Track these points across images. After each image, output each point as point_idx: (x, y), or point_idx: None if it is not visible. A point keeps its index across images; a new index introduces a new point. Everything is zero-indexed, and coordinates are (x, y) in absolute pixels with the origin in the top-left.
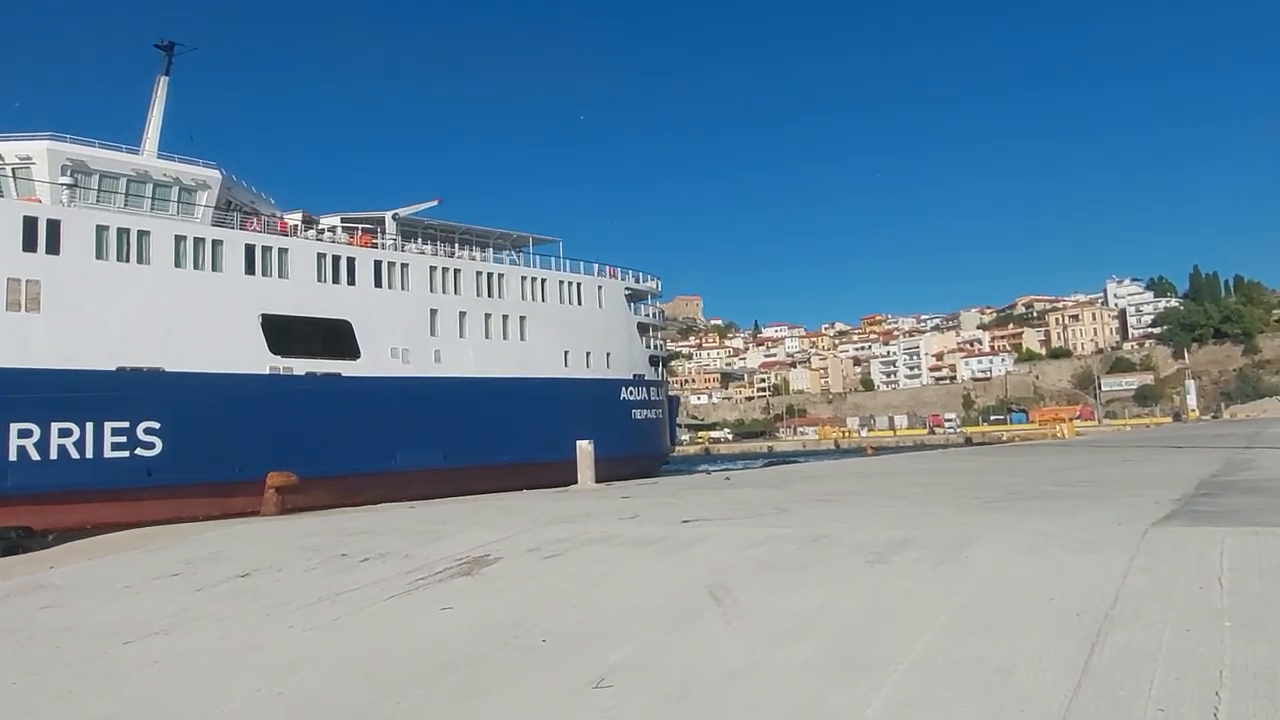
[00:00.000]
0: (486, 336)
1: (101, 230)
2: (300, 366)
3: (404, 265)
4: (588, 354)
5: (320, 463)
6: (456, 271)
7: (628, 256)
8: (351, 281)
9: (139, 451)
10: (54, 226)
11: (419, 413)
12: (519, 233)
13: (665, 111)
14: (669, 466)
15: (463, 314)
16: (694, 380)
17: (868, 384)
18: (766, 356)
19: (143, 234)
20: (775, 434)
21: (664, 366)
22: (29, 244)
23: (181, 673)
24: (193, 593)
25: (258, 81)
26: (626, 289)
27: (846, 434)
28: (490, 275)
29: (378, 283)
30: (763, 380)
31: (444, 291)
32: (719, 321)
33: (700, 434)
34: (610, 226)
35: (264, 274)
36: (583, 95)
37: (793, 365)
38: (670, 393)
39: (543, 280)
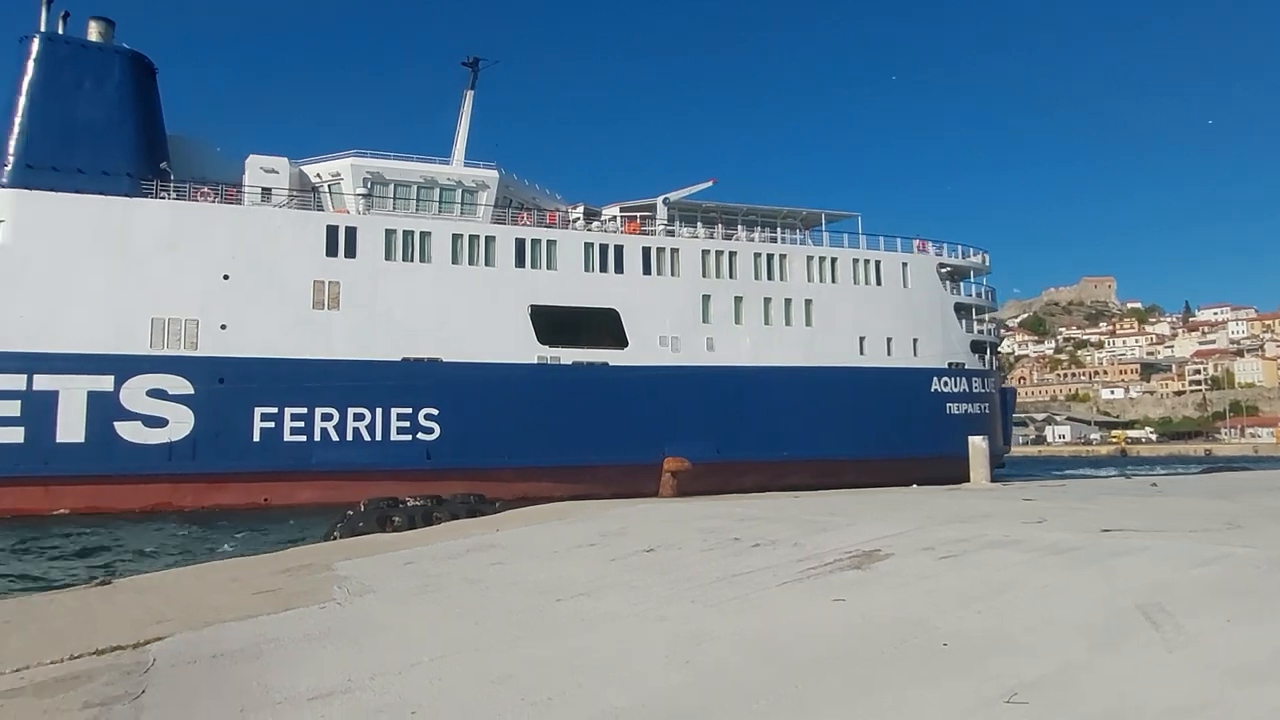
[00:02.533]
0: (766, 322)
1: (390, 233)
2: (567, 356)
3: (674, 250)
4: (889, 340)
5: (585, 452)
6: (732, 254)
7: (1014, 237)
8: (619, 270)
9: (419, 436)
10: (351, 233)
11: (688, 404)
12: (809, 209)
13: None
14: (1007, 471)
15: (738, 299)
16: (1105, 372)
17: None
18: (1201, 344)
19: (424, 235)
20: (1214, 435)
21: (993, 354)
22: (331, 250)
23: (605, 631)
24: (608, 562)
25: (555, 87)
26: (940, 265)
27: None
28: (770, 256)
29: (646, 270)
30: (1196, 371)
31: (717, 276)
32: (1137, 304)
33: (1115, 433)
34: (994, 207)
35: (533, 266)
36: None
37: (1238, 354)
38: (1004, 385)
39: (833, 259)
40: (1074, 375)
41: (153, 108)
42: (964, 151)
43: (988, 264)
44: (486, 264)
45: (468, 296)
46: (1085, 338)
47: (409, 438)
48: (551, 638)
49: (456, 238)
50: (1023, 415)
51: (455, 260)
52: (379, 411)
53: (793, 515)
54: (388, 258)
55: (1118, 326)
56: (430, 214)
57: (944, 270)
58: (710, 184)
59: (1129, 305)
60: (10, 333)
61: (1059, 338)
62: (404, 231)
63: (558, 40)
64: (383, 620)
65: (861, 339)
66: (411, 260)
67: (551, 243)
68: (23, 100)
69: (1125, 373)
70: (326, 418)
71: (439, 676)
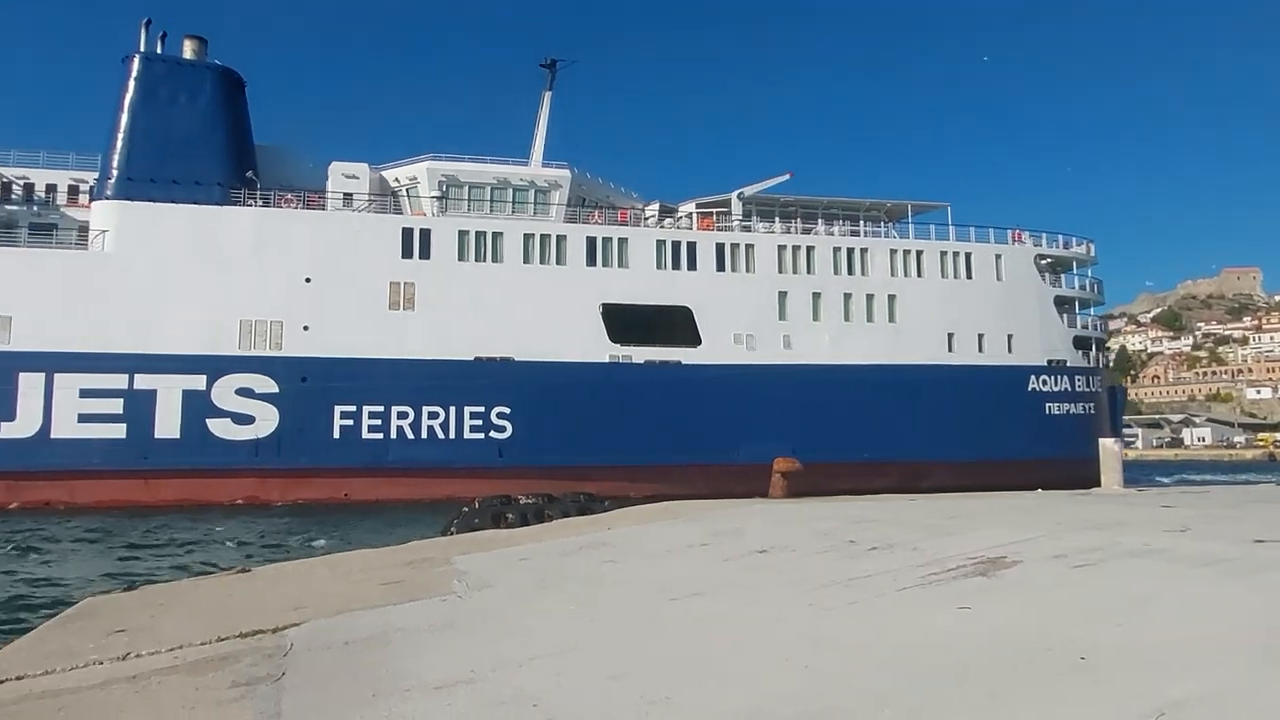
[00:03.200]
0: (846, 319)
1: (463, 234)
2: (639, 354)
3: (748, 246)
4: (980, 336)
5: (657, 452)
6: (809, 249)
7: (1146, 227)
8: (692, 266)
9: (492, 434)
10: (425, 235)
11: (764, 403)
12: (894, 201)
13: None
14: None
15: (817, 295)
16: (1250, 370)
17: None
18: None
19: (497, 235)
20: None
21: (1099, 350)
22: (406, 251)
23: (720, 631)
24: (721, 562)
25: (633, 84)
26: (1039, 256)
27: None
28: (850, 251)
29: (720, 266)
30: None
31: (794, 271)
32: None
33: (1262, 436)
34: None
35: (604, 264)
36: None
37: None
38: (1112, 384)
39: (918, 252)
40: (1214, 374)
41: (242, 120)
42: (1077, 134)
43: (1093, 254)
44: (558, 263)
45: (539, 296)
46: (1227, 333)
47: (482, 436)
48: (666, 637)
49: (528, 237)
50: (1157, 416)
51: (527, 260)
52: (452, 410)
53: (910, 519)
54: (461, 258)
55: (1264, 321)
56: (504, 214)
57: (1043, 262)
58: (787, 177)
59: (1277, 298)
60: (114, 335)
61: (1197, 333)
62: (476, 232)
63: (634, 36)
64: (501, 614)
65: (950, 335)
66: (484, 260)
67: (623, 240)
68: (124, 117)
69: (1273, 370)
70: (402, 416)
71: (558, 671)
